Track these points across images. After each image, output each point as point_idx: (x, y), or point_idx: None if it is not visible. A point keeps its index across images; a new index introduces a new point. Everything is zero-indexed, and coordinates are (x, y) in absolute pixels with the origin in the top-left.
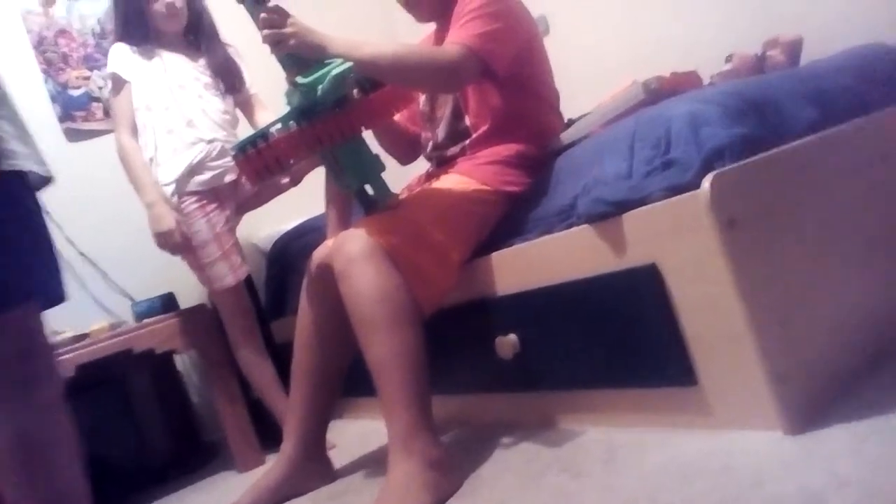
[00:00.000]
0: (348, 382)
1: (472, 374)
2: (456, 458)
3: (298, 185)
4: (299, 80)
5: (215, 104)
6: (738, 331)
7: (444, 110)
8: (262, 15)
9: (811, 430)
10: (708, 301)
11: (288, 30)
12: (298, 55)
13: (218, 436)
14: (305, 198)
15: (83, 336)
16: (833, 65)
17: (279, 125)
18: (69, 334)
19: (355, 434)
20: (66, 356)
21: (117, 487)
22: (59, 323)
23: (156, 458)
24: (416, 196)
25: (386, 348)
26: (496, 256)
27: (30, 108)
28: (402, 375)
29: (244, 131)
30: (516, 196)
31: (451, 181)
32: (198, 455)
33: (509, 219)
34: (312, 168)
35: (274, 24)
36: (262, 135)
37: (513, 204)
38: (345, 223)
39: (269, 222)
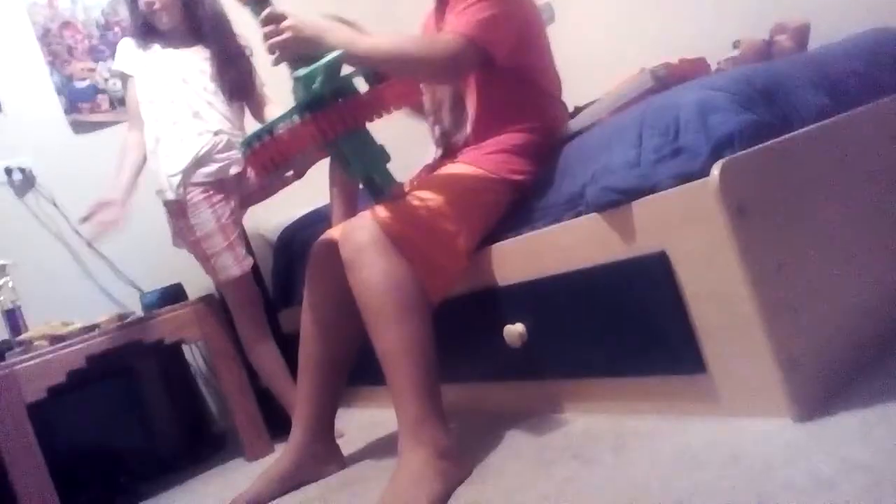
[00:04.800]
0: (356, 371)
1: (481, 363)
2: (465, 446)
3: (303, 177)
4: (296, 73)
5: (221, 97)
6: (747, 318)
7: (445, 98)
8: (262, 16)
9: (820, 417)
10: (717, 289)
11: (285, 31)
12: (298, 52)
13: (226, 425)
14: (310, 188)
15: (93, 327)
16: (841, 50)
17: (284, 119)
18: (78, 325)
19: (363, 422)
20: (76, 347)
21: (127, 477)
22: (69, 314)
23: (165, 447)
24: (422, 184)
25: (394, 338)
26: (504, 245)
27: (35, 101)
28: (411, 365)
29: (249, 124)
30: (523, 185)
31: (458, 170)
32: (207, 444)
33: (517, 207)
34: (316, 161)
35: (271, 23)
36: (268, 129)
37: (520, 192)
38: (349, 212)
39: (275, 213)
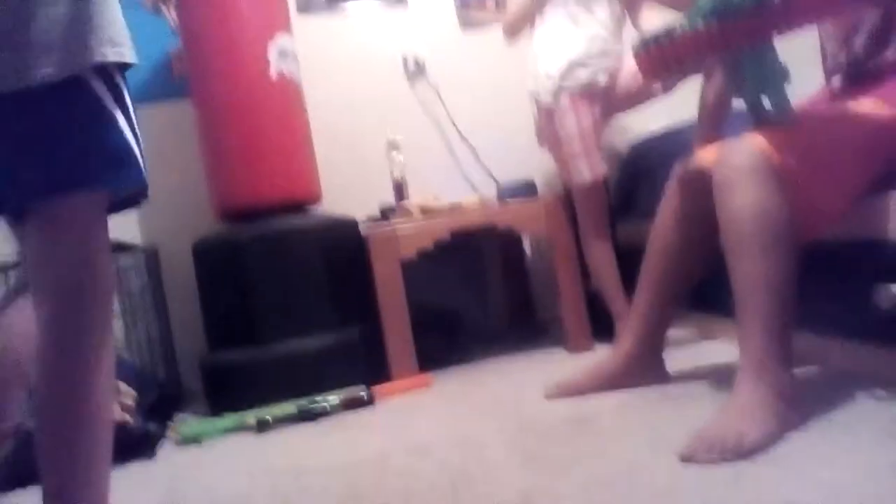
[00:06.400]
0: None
1: (841, 317)
2: (808, 396)
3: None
4: None
5: (603, 3)
6: None
7: (869, 19)
8: None
9: None
10: None
11: None
12: None
13: (550, 316)
14: (667, 104)
15: (458, 206)
16: None
17: (687, 23)
18: (446, 202)
19: (689, 346)
20: (443, 221)
21: (463, 335)
22: (436, 190)
23: (495, 320)
24: (819, 115)
25: (755, 269)
26: None
27: None
28: (767, 299)
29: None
30: None
31: (865, 104)
32: (529, 329)
33: None
34: (693, 74)
35: None
36: (668, 32)
37: None
38: (715, 134)
39: (627, 125)
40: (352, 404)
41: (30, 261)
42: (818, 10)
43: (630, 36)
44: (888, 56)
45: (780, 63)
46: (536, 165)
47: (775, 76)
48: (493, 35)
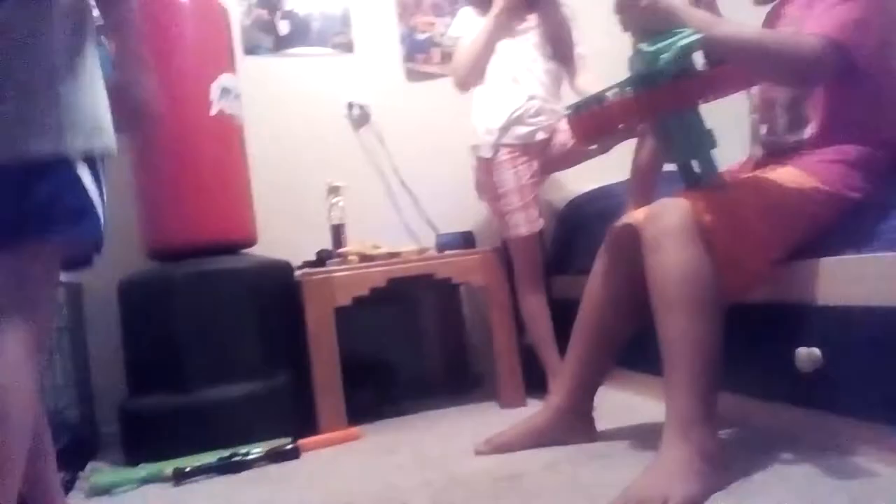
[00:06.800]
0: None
1: (762, 378)
2: (730, 457)
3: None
4: (643, 46)
5: (540, 63)
6: None
7: (784, 96)
8: None
9: None
10: None
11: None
12: (648, 23)
13: (484, 369)
14: (604, 163)
15: (396, 254)
16: None
17: (616, 90)
18: (385, 250)
19: (618, 404)
20: (381, 268)
21: (395, 389)
22: (375, 237)
23: (429, 372)
24: (744, 181)
25: (683, 329)
26: (821, 263)
27: (381, 46)
28: (695, 360)
29: (565, 91)
30: (855, 203)
31: (786, 174)
32: (464, 381)
33: (845, 226)
34: (627, 138)
35: None
36: (598, 98)
37: (851, 210)
38: (648, 195)
39: (564, 182)
40: (276, 456)
41: None
42: (737, 80)
43: (568, 95)
44: (805, 134)
45: (707, 129)
46: (475, 217)
47: (702, 141)
48: (438, 87)
